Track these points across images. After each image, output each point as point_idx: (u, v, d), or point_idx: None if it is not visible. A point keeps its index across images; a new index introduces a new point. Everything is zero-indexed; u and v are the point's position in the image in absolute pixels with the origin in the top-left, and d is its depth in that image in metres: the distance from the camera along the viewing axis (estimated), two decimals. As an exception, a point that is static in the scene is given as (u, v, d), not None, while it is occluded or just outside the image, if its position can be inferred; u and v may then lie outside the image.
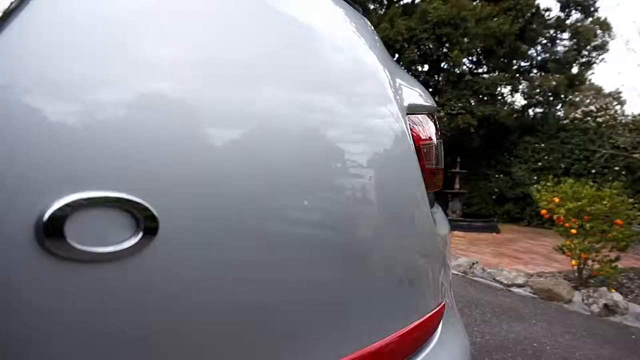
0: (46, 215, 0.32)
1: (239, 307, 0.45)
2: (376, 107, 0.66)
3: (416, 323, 0.64)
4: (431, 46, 9.74)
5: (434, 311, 0.70)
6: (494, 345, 2.66)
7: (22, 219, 0.32)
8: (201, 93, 0.44)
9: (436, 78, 10.78)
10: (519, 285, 4.11)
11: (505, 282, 4.18)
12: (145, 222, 0.37)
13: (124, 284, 0.37)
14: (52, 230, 0.32)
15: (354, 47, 0.68)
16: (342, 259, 0.56)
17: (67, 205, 0.33)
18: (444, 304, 0.75)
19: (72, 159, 0.34)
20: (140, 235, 0.37)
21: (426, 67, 10.83)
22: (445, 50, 9.96)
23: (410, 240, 0.67)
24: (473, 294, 3.91)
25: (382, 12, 10.93)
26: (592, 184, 4.46)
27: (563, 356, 2.53)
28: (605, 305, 3.48)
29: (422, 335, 0.66)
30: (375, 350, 0.56)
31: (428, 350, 0.66)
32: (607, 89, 23.28)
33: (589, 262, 4.00)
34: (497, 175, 11.32)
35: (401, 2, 11.67)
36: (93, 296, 0.36)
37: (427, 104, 0.80)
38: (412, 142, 0.68)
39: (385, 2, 11.66)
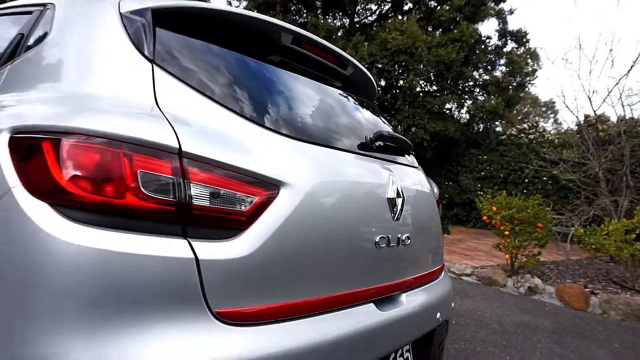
0: None
1: None
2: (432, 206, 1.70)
3: (440, 266, 1.68)
4: (389, 69, 10.92)
5: (442, 264, 1.74)
6: (452, 314, 3.75)
7: None
8: None
9: (394, 94, 11.96)
10: (467, 275, 5.28)
11: (457, 272, 5.34)
12: None
13: None
14: None
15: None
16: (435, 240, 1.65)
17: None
18: (444, 264, 1.79)
19: None
20: None
21: (383, 83, 12.03)
22: (401, 71, 11.20)
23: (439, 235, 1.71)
24: (433, 283, 5.00)
25: (346, 40, 12.03)
26: (522, 193, 5.59)
27: (498, 320, 3.66)
28: (529, 288, 4.67)
29: (440, 271, 1.69)
30: (433, 271, 1.61)
31: (440, 277, 1.68)
32: (543, 98, 25.99)
33: (519, 256, 5.20)
34: (447, 183, 12.71)
35: (357, 25, 12.83)
36: None
37: (438, 191, 1.85)
38: (436, 205, 1.71)
39: (348, 27, 12.82)
